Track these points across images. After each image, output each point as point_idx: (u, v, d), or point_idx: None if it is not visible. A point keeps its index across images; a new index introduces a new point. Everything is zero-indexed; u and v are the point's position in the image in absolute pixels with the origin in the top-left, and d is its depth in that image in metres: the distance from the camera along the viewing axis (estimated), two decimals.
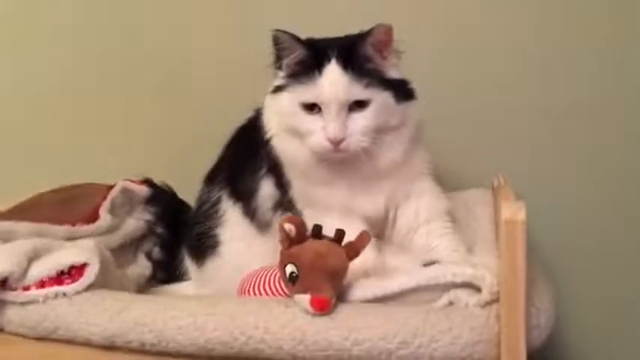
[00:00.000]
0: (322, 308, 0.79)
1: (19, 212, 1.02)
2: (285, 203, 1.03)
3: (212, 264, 1.11)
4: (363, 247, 0.84)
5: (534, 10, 1.30)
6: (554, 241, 1.30)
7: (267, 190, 1.04)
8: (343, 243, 0.83)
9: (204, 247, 1.12)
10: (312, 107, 0.93)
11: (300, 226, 0.83)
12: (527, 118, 1.32)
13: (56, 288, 0.90)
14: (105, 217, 1.16)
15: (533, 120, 1.32)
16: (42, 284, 0.90)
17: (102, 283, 0.94)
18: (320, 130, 0.91)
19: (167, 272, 1.22)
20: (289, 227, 0.82)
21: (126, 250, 1.20)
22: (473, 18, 1.33)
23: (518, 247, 0.74)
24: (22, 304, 0.90)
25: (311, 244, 0.82)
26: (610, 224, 1.31)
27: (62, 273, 0.91)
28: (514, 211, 0.75)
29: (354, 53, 0.92)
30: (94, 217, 1.16)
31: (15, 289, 0.90)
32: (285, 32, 0.94)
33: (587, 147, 1.31)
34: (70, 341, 0.89)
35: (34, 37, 1.53)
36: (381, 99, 0.93)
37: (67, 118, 1.53)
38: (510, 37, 1.31)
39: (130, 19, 1.48)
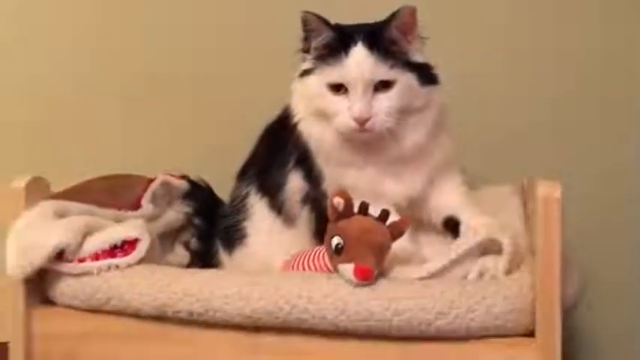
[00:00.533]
0: (365, 277, 0.83)
1: (71, 194, 1.08)
2: (313, 196, 1.07)
3: (240, 254, 1.16)
4: (407, 227, 0.89)
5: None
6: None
7: (295, 183, 1.08)
8: (387, 222, 0.88)
9: (233, 238, 1.18)
10: (338, 88, 0.97)
11: (349, 201, 0.87)
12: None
13: (109, 260, 0.96)
14: (147, 207, 1.22)
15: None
16: (96, 257, 0.96)
17: (148, 259, 0.99)
18: (346, 110, 0.95)
19: (203, 262, 1.26)
20: (338, 201, 0.87)
21: (165, 239, 1.25)
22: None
23: (554, 223, 0.79)
24: (77, 275, 0.96)
25: (358, 219, 0.87)
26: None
27: (115, 247, 0.97)
28: (550, 189, 0.80)
29: (379, 36, 0.96)
30: (136, 205, 1.21)
31: (71, 261, 0.96)
32: (313, 14, 0.98)
33: None
34: (121, 312, 0.94)
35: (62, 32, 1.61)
36: (405, 80, 0.96)
37: (110, 113, 1.60)
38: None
39: (154, 13, 1.55)
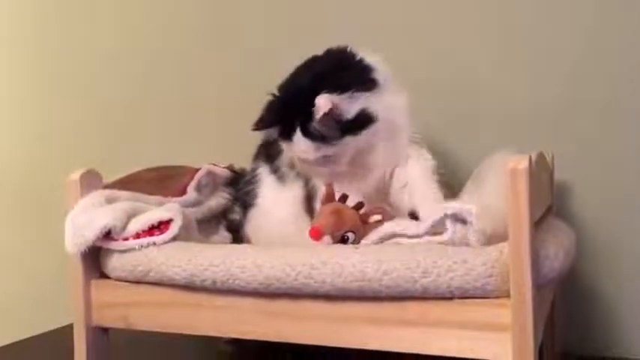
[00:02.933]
0: (312, 235, 1.03)
1: (122, 184, 1.24)
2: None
3: (253, 213, 1.33)
4: (374, 215, 1.06)
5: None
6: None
7: (288, 154, 1.24)
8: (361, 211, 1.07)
9: (247, 202, 1.35)
10: None
11: (331, 190, 1.10)
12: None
13: (148, 238, 1.11)
14: (191, 194, 1.37)
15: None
16: (137, 235, 1.11)
17: (184, 237, 1.14)
18: None
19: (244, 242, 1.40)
20: (324, 190, 1.10)
21: (210, 222, 1.40)
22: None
23: (521, 194, 0.85)
24: (122, 252, 1.12)
25: (336, 204, 1.08)
26: None
27: (153, 227, 1.12)
28: (517, 161, 0.86)
29: (311, 124, 1.11)
30: (182, 193, 1.37)
31: (117, 240, 1.12)
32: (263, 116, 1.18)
33: None
34: (159, 282, 1.09)
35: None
36: (339, 147, 1.12)
37: (173, 108, 1.79)
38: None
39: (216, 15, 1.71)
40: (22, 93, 2.03)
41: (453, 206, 0.94)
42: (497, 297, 0.88)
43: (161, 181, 1.37)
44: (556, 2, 1.36)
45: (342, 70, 1.16)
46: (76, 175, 1.17)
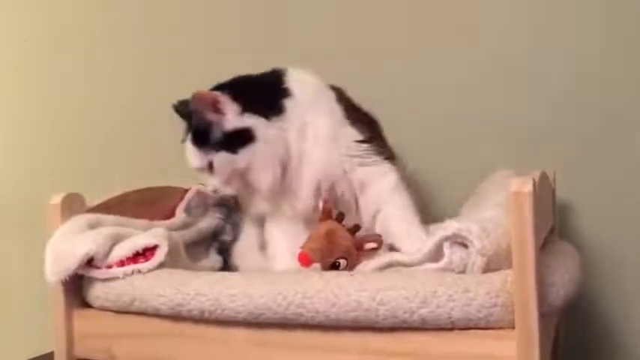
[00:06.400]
0: (301, 260, 0.98)
1: (106, 208, 1.19)
2: None
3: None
4: (371, 244, 1.01)
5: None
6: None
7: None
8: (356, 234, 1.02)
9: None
10: None
11: (327, 207, 1.06)
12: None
13: (133, 266, 1.05)
14: (179, 216, 1.32)
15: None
16: (121, 263, 1.06)
17: (171, 263, 1.09)
18: None
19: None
20: (321, 206, 1.04)
21: (199, 246, 1.35)
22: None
23: (525, 218, 0.80)
24: (106, 280, 1.07)
25: (332, 223, 1.02)
26: None
27: (137, 253, 1.06)
28: (521, 184, 0.81)
29: (198, 128, 1.13)
30: (170, 215, 1.32)
31: (99, 268, 1.06)
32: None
33: None
34: (144, 312, 1.04)
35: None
36: (217, 159, 1.13)
37: (163, 127, 1.73)
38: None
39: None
40: (7, 112, 1.98)
41: (452, 226, 0.88)
42: (501, 328, 0.83)
43: (149, 203, 1.31)
44: (554, 18, 1.33)
45: (251, 90, 1.16)
46: (56, 199, 1.12)
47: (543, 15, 1.34)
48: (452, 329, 0.85)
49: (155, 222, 1.25)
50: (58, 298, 1.10)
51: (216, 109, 1.12)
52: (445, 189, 1.36)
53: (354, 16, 1.49)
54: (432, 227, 1.08)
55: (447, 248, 0.90)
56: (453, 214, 1.10)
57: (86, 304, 1.12)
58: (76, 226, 1.10)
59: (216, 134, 1.13)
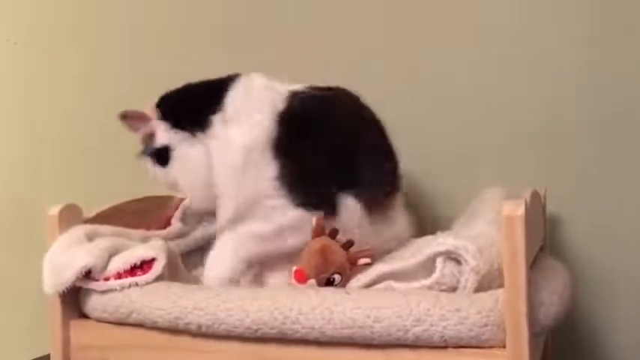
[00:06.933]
0: (296, 277, 0.99)
1: (103, 218, 1.20)
2: None
3: None
4: (364, 259, 1.01)
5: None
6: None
7: None
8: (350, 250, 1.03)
9: None
10: None
11: (320, 225, 1.03)
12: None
13: (130, 279, 1.07)
14: (175, 225, 1.33)
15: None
16: (119, 275, 1.07)
17: (169, 275, 1.10)
18: None
19: None
20: (314, 223, 1.03)
21: (196, 253, 1.36)
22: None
23: (517, 241, 0.82)
24: (103, 292, 1.08)
25: (325, 239, 1.02)
26: None
27: (135, 266, 1.08)
28: (513, 207, 0.83)
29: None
30: (167, 224, 1.33)
31: (97, 280, 1.08)
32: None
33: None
34: (141, 324, 1.05)
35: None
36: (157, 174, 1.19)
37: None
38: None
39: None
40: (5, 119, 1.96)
41: (448, 243, 0.90)
42: (491, 347, 0.85)
43: (145, 212, 1.33)
44: (541, 31, 1.34)
45: (185, 102, 1.17)
46: (54, 211, 1.13)
47: (530, 28, 1.35)
48: (445, 347, 0.87)
49: (151, 232, 1.27)
50: (56, 308, 1.11)
51: (147, 125, 1.17)
52: (435, 204, 1.37)
53: (353, 17, 1.48)
54: (424, 239, 1.10)
55: (439, 263, 0.91)
56: (444, 229, 1.12)
57: (83, 315, 1.13)
58: (74, 237, 1.11)
59: (149, 150, 1.18)
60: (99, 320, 1.10)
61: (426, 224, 1.26)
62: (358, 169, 1.06)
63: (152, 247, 1.11)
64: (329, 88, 1.14)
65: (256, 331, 0.95)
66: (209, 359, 1.01)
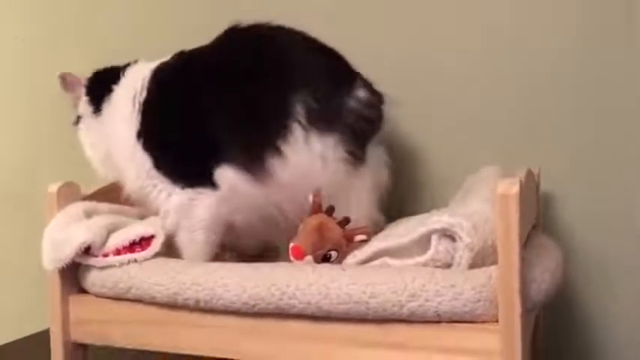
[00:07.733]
0: (294, 254, 1.00)
1: (101, 195, 1.21)
2: None
3: None
4: (361, 235, 1.02)
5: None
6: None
7: None
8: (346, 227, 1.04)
9: None
10: None
11: (318, 202, 1.04)
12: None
13: (129, 255, 1.08)
14: None
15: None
16: (118, 252, 1.09)
17: (166, 252, 1.11)
18: None
19: None
20: (311, 199, 1.04)
21: None
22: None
23: (511, 219, 0.84)
24: (102, 268, 1.09)
25: (322, 216, 1.03)
26: None
27: (134, 242, 1.09)
28: (508, 186, 0.84)
29: None
30: None
31: (96, 256, 1.09)
32: None
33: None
34: (140, 300, 1.07)
35: None
36: None
37: None
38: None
39: None
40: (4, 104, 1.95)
41: (443, 220, 0.92)
42: (484, 322, 0.87)
43: None
44: (535, 17, 1.34)
45: (100, 78, 1.23)
46: (53, 188, 1.14)
47: (524, 14, 1.35)
48: (439, 322, 0.88)
49: None
50: (55, 283, 1.13)
51: (75, 91, 1.24)
52: (431, 183, 1.38)
53: (355, 15, 1.48)
54: (420, 217, 1.11)
55: (434, 240, 0.93)
56: (440, 207, 1.14)
57: (82, 290, 1.14)
58: (73, 214, 1.12)
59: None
60: (98, 295, 1.12)
61: (422, 202, 1.27)
62: (228, 136, 1.07)
63: (151, 224, 1.12)
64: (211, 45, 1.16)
65: (254, 306, 0.97)
66: (207, 334, 1.02)
